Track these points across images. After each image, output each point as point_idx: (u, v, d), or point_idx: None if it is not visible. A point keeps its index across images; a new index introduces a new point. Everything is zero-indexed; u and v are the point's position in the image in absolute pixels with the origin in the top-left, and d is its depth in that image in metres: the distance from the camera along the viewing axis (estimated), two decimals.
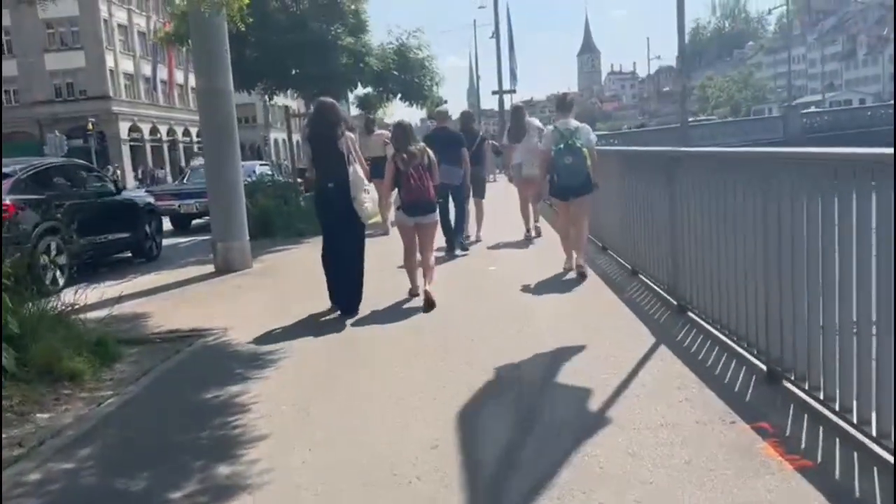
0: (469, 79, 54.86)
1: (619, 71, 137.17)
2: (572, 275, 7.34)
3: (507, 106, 34.29)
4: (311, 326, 6.17)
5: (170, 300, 7.72)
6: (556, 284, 7.22)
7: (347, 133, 6.33)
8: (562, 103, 7.53)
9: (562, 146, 6.94)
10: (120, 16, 46.92)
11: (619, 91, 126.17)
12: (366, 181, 6.31)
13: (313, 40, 12.06)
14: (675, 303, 5.79)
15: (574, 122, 7.24)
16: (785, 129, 33.48)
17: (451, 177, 8.56)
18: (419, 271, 6.77)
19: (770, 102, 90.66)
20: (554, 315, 6.02)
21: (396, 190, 6.69)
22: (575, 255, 7.39)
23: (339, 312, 6.39)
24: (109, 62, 44.90)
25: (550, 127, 7.57)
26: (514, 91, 33.79)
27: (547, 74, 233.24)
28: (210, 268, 9.28)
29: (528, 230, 10.25)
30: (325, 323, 6.23)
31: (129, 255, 11.12)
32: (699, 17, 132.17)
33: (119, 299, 6.64)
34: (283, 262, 9.95)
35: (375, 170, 9.04)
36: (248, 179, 12.89)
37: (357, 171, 6.23)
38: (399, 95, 14.25)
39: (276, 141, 69.82)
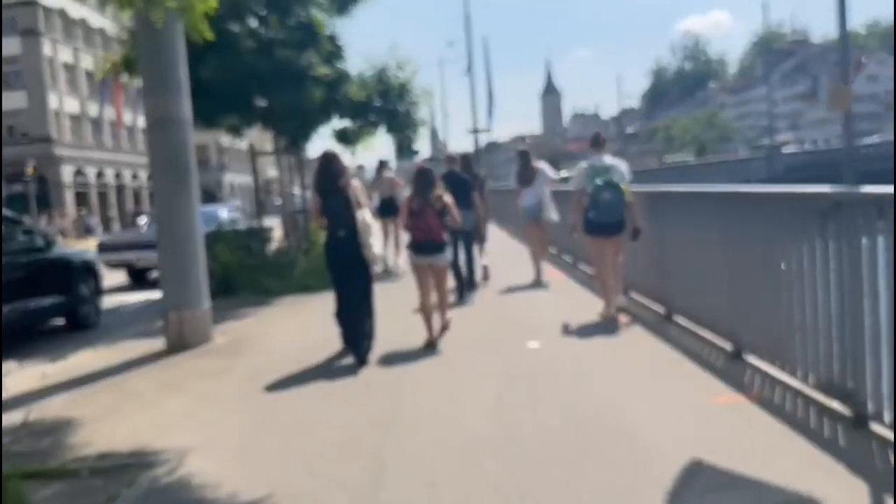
0: (431, 120, 53.16)
1: (583, 113, 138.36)
2: (623, 321, 6.88)
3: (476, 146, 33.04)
4: (311, 442, 4.34)
5: (107, 395, 5.80)
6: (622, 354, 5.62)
7: (353, 182, 6.56)
8: (596, 140, 7.34)
9: (600, 183, 6.82)
10: (65, 54, 44.72)
11: (583, 132, 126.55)
12: (373, 226, 6.40)
13: (283, 69, 10.20)
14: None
15: (608, 159, 7.17)
16: (769, 170, 32.95)
17: (463, 221, 7.90)
18: (436, 317, 6.69)
19: (736, 142, 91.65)
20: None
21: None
22: (611, 297, 7.10)
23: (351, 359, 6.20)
24: (53, 103, 42.63)
25: (584, 164, 7.32)
26: (487, 130, 32.39)
27: (509, 116, 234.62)
28: (161, 342, 7.34)
29: (537, 272, 9.99)
30: (333, 428, 4.43)
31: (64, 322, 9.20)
32: (660, 58, 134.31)
33: (40, 393, 5.43)
34: (252, 332, 7.99)
35: (383, 209, 11.95)
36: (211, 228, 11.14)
37: (365, 217, 6.30)
38: (385, 127, 12.37)
39: (231, 185, 67.46)
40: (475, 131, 30.18)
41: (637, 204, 6.93)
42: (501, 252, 12.58)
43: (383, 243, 9.80)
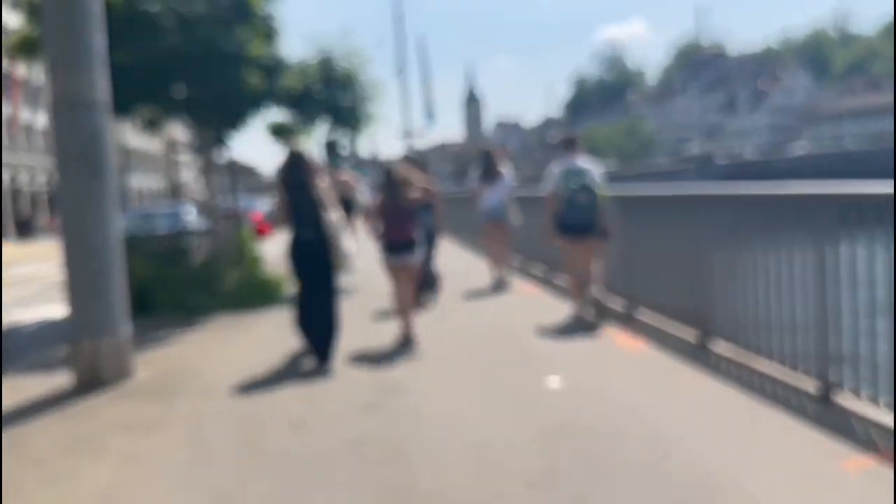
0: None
1: (505, 122, 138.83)
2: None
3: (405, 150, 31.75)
4: None
5: None
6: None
7: (321, 182, 6.47)
8: (569, 143, 7.33)
9: (575, 186, 6.89)
10: None
11: (506, 140, 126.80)
12: (341, 227, 6.32)
13: (210, 50, 8.69)
14: None
15: (582, 162, 7.13)
16: (700, 177, 33.03)
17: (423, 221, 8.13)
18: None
19: (657, 152, 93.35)
20: None
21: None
22: (580, 298, 7.16)
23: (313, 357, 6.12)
24: None
25: (556, 167, 7.22)
26: (421, 135, 31.22)
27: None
28: (67, 378, 5.87)
29: (499, 274, 9.95)
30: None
31: None
32: (581, 68, 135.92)
33: None
34: (182, 363, 6.53)
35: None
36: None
37: (333, 218, 6.30)
38: (330, 122, 11.09)
39: (139, 190, 63.83)
40: (408, 136, 28.78)
41: (608, 207, 7.00)
42: (452, 258, 11.95)
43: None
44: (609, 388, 4.95)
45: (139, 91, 8.97)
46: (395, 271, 6.75)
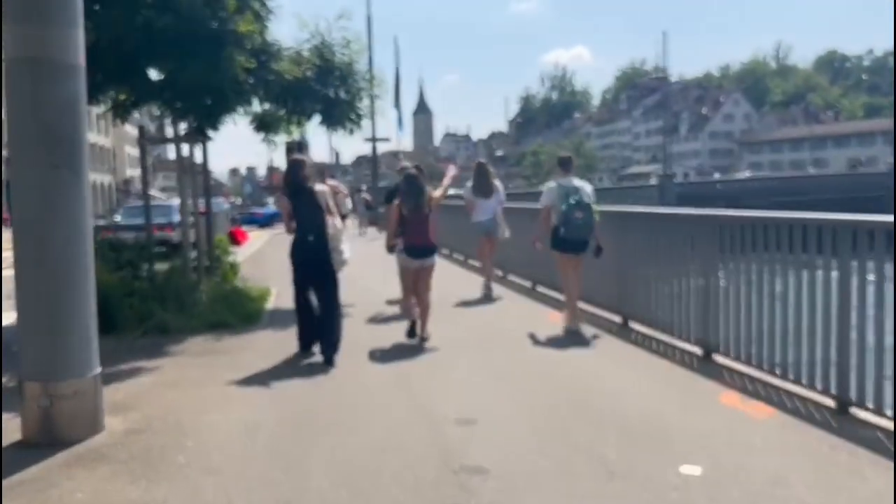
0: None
1: (454, 133, 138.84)
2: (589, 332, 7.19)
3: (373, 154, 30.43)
4: None
5: None
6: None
7: (323, 186, 6.86)
8: (565, 162, 7.68)
9: (572, 202, 7.12)
10: None
11: (454, 152, 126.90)
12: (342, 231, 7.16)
13: (192, 27, 7.33)
14: None
15: (577, 181, 7.43)
16: (661, 197, 32.71)
17: None
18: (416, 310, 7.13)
19: (601, 171, 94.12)
20: None
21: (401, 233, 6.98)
22: (574, 310, 7.45)
23: (313, 359, 6.36)
24: None
25: (553, 184, 7.56)
26: (387, 139, 29.81)
27: (381, 131, 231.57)
28: (14, 429, 4.41)
29: (487, 286, 9.98)
30: None
31: None
32: (529, 87, 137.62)
33: None
34: (160, 409, 5.05)
35: None
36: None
37: (336, 223, 6.88)
38: (319, 117, 9.46)
39: (99, 184, 60.56)
40: (374, 140, 27.19)
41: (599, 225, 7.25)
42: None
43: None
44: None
45: (107, 73, 7.56)
46: (416, 272, 7.08)
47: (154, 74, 8.25)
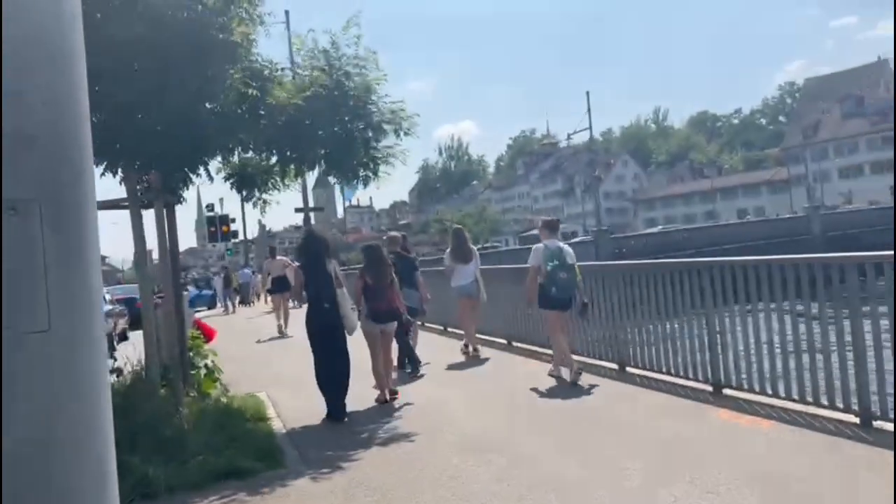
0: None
1: (357, 205, 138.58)
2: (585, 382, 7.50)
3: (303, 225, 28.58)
4: None
5: None
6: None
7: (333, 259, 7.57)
8: (552, 226, 8.16)
9: (557, 262, 7.66)
10: None
11: (359, 222, 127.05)
12: (349, 299, 7.44)
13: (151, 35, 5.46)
14: None
15: (560, 243, 7.99)
16: (597, 252, 32.72)
17: (411, 300, 8.94)
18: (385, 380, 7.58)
19: (505, 234, 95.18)
20: None
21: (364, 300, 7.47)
22: (568, 363, 7.78)
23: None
24: None
25: (540, 246, 7.94)
26: (321, 209, 28.14)
27: (285, 205, 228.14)
28: None
29: (470, 346, 10.26)
30: None
31: None
32: (427, 158, 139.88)
33: None
34: None
35: (278, 286, 16.29)
36: None
37: (344, 292, 7.29)
38: (326, 164, 7.22)
39: None
40: (307, 209, 25.22)
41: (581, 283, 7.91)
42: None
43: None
44: None
45: None
46: (375, 336, 7.46)
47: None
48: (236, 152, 7.25)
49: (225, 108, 6.21)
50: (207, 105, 6.13)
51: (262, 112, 6.63)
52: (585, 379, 7.55)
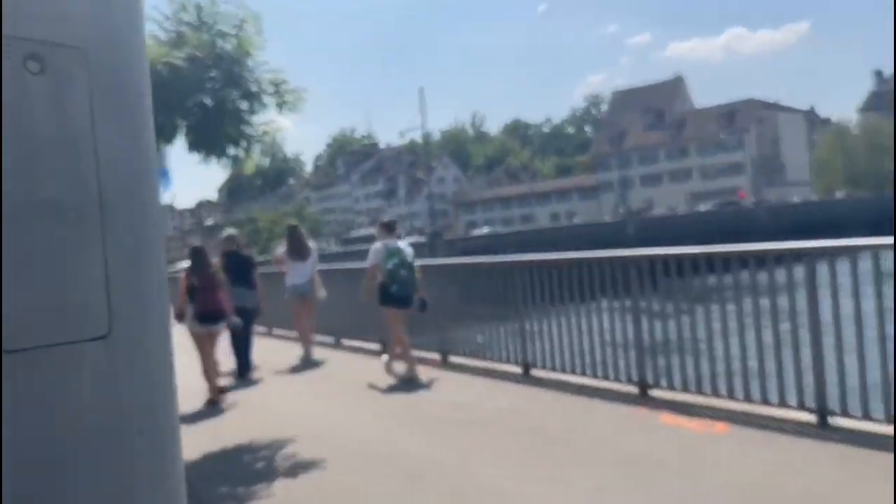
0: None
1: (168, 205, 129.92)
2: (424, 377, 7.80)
3: None
4: None
5: None
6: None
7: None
8: (390, 226, 8.27)
9: (397, 261, 7.82)
10: None
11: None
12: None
13: None
14: None
15: (399, 242, 8.10)
16: (431, 253, 32.15)
17: (246, 299, 8.84)
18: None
19: (326, 235, 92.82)
20: None
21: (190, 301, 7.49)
22: (409, 359, 8.03)
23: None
24: None
25: (379, 245, 8.06)
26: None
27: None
28: None
29: (307, 348, 10.13)
30: None
31: None
32: (238, 153, 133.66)
33: None
34: None
35: None
36: None
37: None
38: (189, 138, 5.73)
39: None
40: None
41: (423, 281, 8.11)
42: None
43: None
44: None
45: None
46: (202, 339, 7.48)
47: None
48: None
49: None
50: None
51: None
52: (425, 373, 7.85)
